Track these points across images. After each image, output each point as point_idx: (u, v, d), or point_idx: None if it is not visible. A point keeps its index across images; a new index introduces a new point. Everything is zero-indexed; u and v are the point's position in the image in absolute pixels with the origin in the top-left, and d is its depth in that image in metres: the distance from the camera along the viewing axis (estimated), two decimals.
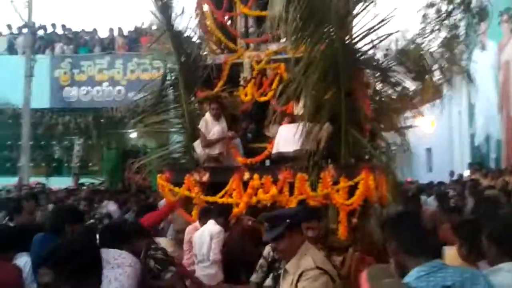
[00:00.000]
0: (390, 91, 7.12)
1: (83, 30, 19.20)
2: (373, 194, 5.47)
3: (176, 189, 6.18)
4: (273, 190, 5.68)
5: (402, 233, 2.30)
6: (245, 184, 5.85)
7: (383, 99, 6.74)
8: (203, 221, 5.49)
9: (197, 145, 6.19)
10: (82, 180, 15.10)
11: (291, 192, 5.64)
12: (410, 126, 7.74)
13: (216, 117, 6.18)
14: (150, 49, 6.83)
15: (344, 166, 5.57)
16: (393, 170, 6.89)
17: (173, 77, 6.66)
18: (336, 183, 5.51)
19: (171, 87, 6.69)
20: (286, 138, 5.78)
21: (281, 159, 5.86)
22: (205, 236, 5.26)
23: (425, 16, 12.72)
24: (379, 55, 7.07)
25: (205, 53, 6.68)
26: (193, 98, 6.62)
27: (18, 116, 17.70)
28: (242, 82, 6.23)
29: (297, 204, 5.30)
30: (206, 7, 6.98)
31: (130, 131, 7.19)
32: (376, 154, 5.66)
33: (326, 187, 5.51)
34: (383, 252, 5.79)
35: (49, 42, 18.82)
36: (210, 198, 5.99)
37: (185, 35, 6.95)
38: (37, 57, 17.28)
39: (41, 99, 17.87)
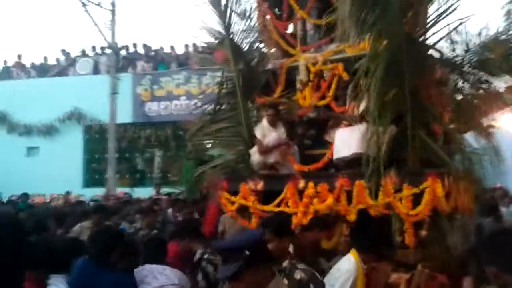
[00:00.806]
0: (472, 89, 6.35)
1: (161, 47, 19.80)
2: (442, 204, 4.80)
3: (233, 197, 5.91)
4: (330, 199, 5.19)
5: (504, 255, 2.14)
6: (302, 193, 5.43)
7: (463, 98, 5.99)
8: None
9: (253, 152, 5.88)
10: (163, 190, 15.42)
11: (350, 201, 5.13)
12: (494, 126, 6.85)
13: (273, 124, 5.82)
14: (204, 60, 6.63)
15: (408, 172, 4.95)
16: (476, 177, 6.12)
17: (229, 85, 6.41)
18: (398, 191, 4.91)
19: (228, 95, 6.44)
20: (344, 142, 5.28)
21: (339, 166, 5.36)
22: None
23: (509, 13, 11.64)
24: (459, 50, 6.35)
25: (263, 59, 6.36)
26: (250, 105, 6.32)
27: (104, 131, 18.58)
28: (298, 86, 5.82)
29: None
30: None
31: (206, 141, 6.93)
32: (447, 159, 4.96)
33: (388, 196, 4.93)
34: (459, 269, 5.13)
35: (131, 60, 19.60)
36: (266, 207, 5.63)
37: (244, 41, 6.69)
38: (120, 76, 18.10)
39: (125, 115, 18.60)
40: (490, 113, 6.30)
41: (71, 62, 19.44)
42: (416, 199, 4.87)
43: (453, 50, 6.25)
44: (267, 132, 5.76)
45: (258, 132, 5.81)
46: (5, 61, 19.33)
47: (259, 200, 5.72)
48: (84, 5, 16.43)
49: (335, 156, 5.37)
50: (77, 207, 14.23)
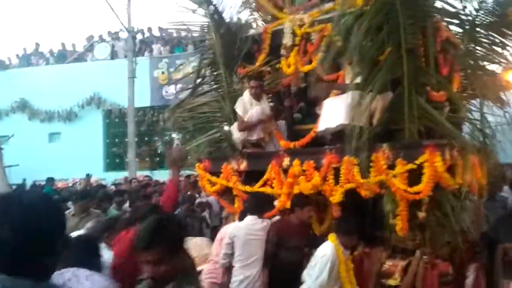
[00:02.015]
0: (484, 52, 5.42)
1: (177, 30, 19.16)
2: (444, 180, 3.99)
3: (214, 178, 5.26)
4: (316, 178, 4.46)
5: None
6: (286, 172, 4.73)
7: (474, 62, 5.08)
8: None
9: (235, 129, 5.19)
10: (182, 172, 14.96)
11: (338, 180, 4.40)
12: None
13: (256, 96, 5.09)
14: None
15: (402, 145, 4.15)
16: (489, 151, 5.26)
17: (210, 55, 5.69)
18: (392, 166, 4.13)
19: (210, 66, 5.74)
20: (331, 112, 4.52)
21: (325, 139, 4.62)
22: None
23: None
24: (470, 8, 5.41)
25: (246, 24, 5.60)
26: (234, 77, 5.59)
27: (123, 115, 18.21)
28: (283, 52, 5.04)
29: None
30: None
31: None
32: (451, 128, 4.13)
33: (380, 173, 4.16)
34: (465, 256, 4.33)
35: (148, 44, 19.08)
36: (249, 188, 4.96)
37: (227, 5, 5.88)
38: (137, 60, 17.60)
39: (143, 99, 18.16)
40: (505, 80, 5.38)
41: (89, 47, 19.09)
42: (415, 176, 4.08)
43: (464, 8, 5.32)
44: (249, 106, 5.05)
45: (239, 107, 5.11)
46: (25, 49, 19.19)
47: (242, 181, 5.06)
48: None
49: (320, 128, 4.61)
50: (98, 191, 13.97)
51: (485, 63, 5.29)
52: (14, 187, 14.95)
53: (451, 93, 4.34)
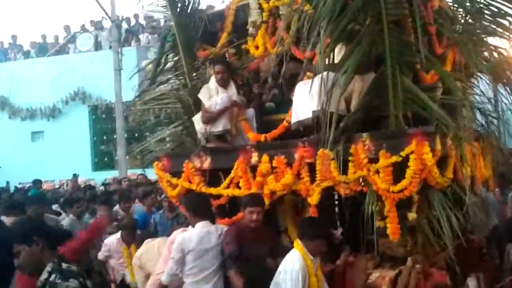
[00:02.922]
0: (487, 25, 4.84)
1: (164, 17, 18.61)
2: (434, 175, 3.46)
3: (174, 180, 4.75)
4: (287, 175, 3.94)
5: None
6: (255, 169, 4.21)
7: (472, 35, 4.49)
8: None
9: (197, 120, 4.67)
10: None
11: (314, 177, 3.87)
12: None
13: (223, 83, 4.56)
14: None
15: (385, 134, 3.61)
16: (495, 138, 4.72)
17: (170, 38, 5.17)
18: (374, 160, 3.60)
19: (171, 51, 5.22)
20: (304, 99, 3.98)
21: (298, 131, 4.08)
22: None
23: None
24: None
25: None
26: (197, 63, 5.06)
27: (111, 110, 17.71)
28: (250, 30, 4.49)
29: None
30: None
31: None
32: (440, 112, 3.56)
33: (360, 167, 3.62)
34: (465, 263, 3.80)
35: (134, 33, 18.54)
36: (214, 190, 4.45)
37: None
38: (123, 50, 17.07)
39: (131, 92, 17.66)
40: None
41: (71, 39, 18.58)
42: (401, 171, 3.54)
43: None
44: (214, 94, 4.52)
45: (203, 95, 4.59)
46: (2, 43, 18.70)
47: (206, 182, 4.54)
48: None
49: (293, 119, 4.07)
50: (86, 192, 13.58)
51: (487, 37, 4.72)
52: None
53: (442, 72, 3.77)
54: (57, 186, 16.90)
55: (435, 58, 3.92)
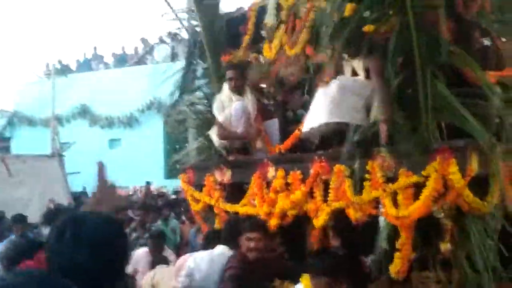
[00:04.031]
0: None
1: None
2: (466, 198, 2.91)
3: (196, 193, 4.55)
4: (297, 192, 3.56)
5: None
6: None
7: None
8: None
9: (213, 133, 4.44)
10: None
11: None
12: None
13: (237, 90, 4.30)
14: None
15: (406, 149, 3.11)
16: None
17: (199, 43, 5.00)
18: (391, 179, 3.11)
19: (200, 58, 5.05)
20: (318, 107, 3.59)
21: (309, 143, 3.70)
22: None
23: None
24: None
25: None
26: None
27: (185, 119, 18.08)
28: (265, 33, 4.19)
29: None
30: None
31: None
32: (473, 122, 3.00)
33: (376, 187, 3.16)
34: None
35: None
36: (229, 207, 4.18)
37: None
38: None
39: None
40: None
41: (149, 50, 19.32)
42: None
43: None
44: (227, 104, 4.27)
45: (216, 107, 4.37)
46: (84, 54, 19.94)
47: (226, 197, 4.29)
48: None
49: (304, 128, 3.69)
50: (158, 200, 14.01)
51: None
52: (75, 195, 15.54)
53: (478, 73, 3.18)
54: (131, 193, 17.55)
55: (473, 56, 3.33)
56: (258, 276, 3.35)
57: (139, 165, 17.73)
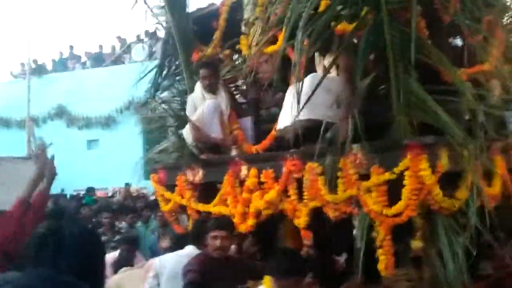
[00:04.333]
0: None
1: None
2: (435, 196, 2.88)
3: (167, 194, 4.46)
4: (271, 192, 3.50)
5: None
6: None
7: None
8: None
9: (186, 131, 4.35)
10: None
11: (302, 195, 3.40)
12: None
13: (211, 89, 4.23)
14: None
15: (378, 146, 3.07)
16: None
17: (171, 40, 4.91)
18: (366, 176, 3.08)
19: (172, 56, 4.96)
20: (291, 104, 3.53)
21: (283, 141, 3.64)
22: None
23: None
24: None
25: None
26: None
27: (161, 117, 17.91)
28: (243, 28, 4.12)
29: None
30: None
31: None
32: (444, 118, 2.98)
33: (350, 185, 3.12)
34: None
35: None
36: (201, 207, 4.10)
37: None
38: None
39: None
40: None
41: (126, 49, 19.08)
42: (398, 189, 3.00)
43: None
44: (199, 103, 4.19)
45: (188, 107, 4.29)
46: (61, 53, 19.56)
47: (198, 196, 4.21)
48: None
49: (278, 126, 3.64)
50: (137, 201, 13.79)
51: None
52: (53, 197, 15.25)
53: (450, 70, 3.16)
54: (110, 194, 17.31)
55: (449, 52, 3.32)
56: (224, 277, 3.28)
57: (118, 166, 17.46)
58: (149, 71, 5.24)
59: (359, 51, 3.23)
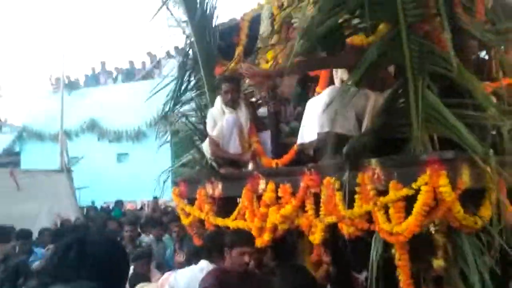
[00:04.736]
0: None
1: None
2: (456, 213, 2.77)
3: (187, 207, 4.46)
4: (287, 207, 3.45)
5: None
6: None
7: None
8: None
9: (205, 146, 4.36)
10: None
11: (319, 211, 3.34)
12: None
13: (232, 103, 4.23)
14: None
15: (397, 161, 3.00)
16: None
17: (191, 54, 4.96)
18: (383, 193, 3.00)
19: (192, 70, 5.01)
20: (311, 118, 3.49)
21: (304, 155, 3.60)
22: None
23: None
24: None
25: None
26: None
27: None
28: (259, 43, 4.12)
29: None
30: None
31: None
32: (466, 134, 2.88)
33: (367, 201, 3.04)
34: None
35: None
36: (220, 221, 4.08)
37: None
38: None
39: None
40: None
41: (157, 64, 19.42)
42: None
43: None
44: (219, 118, 4.20)
45: (208, 122, 4.31)
46: (93, 68, 20.10)
47: (217, 211, 4.19)
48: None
49: (298, 141, 3.60)
50: (164, 214, 13.90)
51: None
52: (84, 209, 15.53)
53: (471, 81, 3.06)
54: (138, 207, 17.51)
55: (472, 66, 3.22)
56: None
57: (147, 180, 17.64)
58: (166, 85, 5.31)
59: (374, 64, 3.19)
